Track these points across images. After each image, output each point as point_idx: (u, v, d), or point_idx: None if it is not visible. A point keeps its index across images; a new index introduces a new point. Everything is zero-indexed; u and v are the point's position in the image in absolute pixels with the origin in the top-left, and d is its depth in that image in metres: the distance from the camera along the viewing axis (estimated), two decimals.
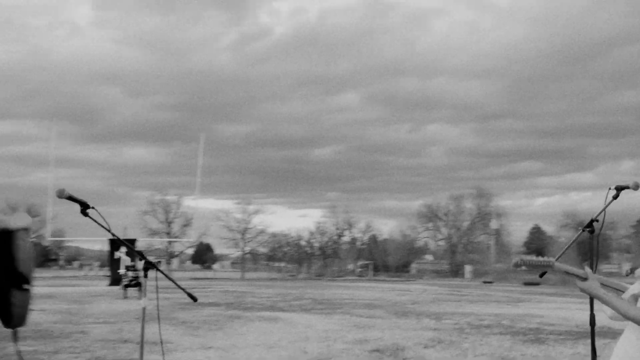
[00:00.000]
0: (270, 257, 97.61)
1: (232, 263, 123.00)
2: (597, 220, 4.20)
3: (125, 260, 32.91)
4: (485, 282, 48.38)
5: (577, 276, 3.17)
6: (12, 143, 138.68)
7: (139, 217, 79.83)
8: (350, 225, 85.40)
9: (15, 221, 2.96)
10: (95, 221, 3.72)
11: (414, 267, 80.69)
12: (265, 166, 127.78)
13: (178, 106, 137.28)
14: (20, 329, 2.94)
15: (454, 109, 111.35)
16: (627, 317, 2.98)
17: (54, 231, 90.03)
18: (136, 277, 24.34)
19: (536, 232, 77.61)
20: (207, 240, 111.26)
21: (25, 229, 3.00)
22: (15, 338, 3.09)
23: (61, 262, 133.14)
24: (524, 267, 3.22)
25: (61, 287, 34.31)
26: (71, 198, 3.53)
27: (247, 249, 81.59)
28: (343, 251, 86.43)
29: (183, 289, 4.19)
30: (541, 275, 3.46)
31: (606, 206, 4.15)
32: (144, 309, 4.10)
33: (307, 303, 21.73)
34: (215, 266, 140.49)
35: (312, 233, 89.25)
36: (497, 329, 12.92)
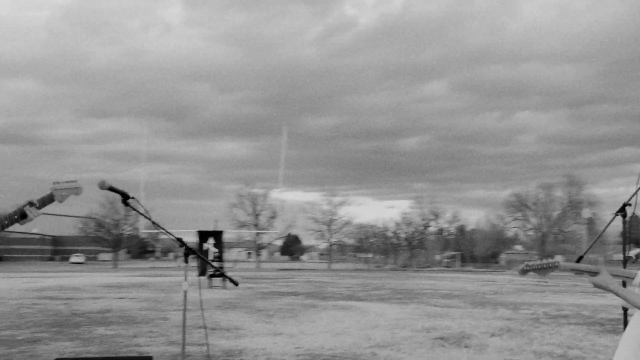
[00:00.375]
0: (358, 249, 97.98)
1: (320, 254, 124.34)
2: (630, 204, 4.16)
3: (212, 252, 34.06)
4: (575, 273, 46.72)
5: (588, 272, 3.21)
6: (112, 140, 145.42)
7: (228, 210, 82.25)
8: (436, 216, 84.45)
9: None
10: (136, 210, 4.00)
11: (503, 257, 78.89)
12: (352, 158, 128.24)
13: (265, 100, 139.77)
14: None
15: (545, 95, 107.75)
16: (638, 309, 2.99)
17: (148, 224, 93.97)
18: (221, 268, 25.14)
19: (634, 221, 74.26)
20: (294, 232, 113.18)
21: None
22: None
23: (157, 254, 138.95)
24: (531, 273, 3.27)
25: (154, 277, 35.91)
26: (112, 189, 3.81)
27: (333, 240, 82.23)
28: (429, 242, 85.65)
29: (224, 274, 4.47)
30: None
31: (638, 189, 4.09)
32: (185, 292, 4.39)
33: (385, 293, 21.84)
34: (304, 257, 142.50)
35: (398, 224, 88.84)
36: (575, 319, 12.61)
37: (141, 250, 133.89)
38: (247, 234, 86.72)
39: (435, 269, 71.03)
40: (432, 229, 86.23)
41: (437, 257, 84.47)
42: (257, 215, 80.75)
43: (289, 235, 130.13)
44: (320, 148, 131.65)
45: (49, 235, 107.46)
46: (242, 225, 79.95)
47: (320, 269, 69.49)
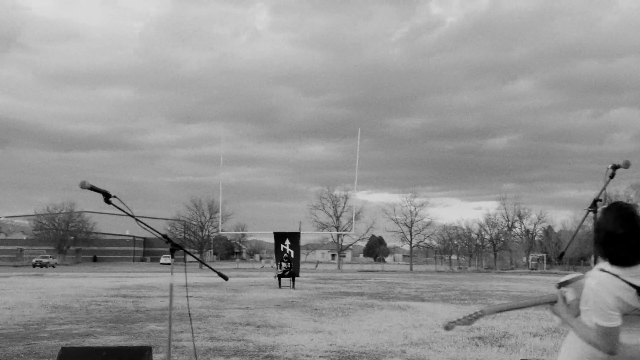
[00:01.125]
0: (443, 250, 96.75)
1: (404, 256, 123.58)
2: (601, 200, 4.09)
3: (283, 253, 34.64)
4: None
5: (474, 318, 3.17)
6: (202, 144, 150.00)
7: (309, 212, 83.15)
8: (520, 217, 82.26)
9: None
10: (119, 208, 4.26)
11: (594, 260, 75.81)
12: (438, 159, 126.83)
13: (350, 102, 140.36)
14: None
15: None
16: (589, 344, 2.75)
17: (236, 226, 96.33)
18: (289, 268, 25.56)
19: None
20: (378, 233, 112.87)
21: None
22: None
23: (243, 255, 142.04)
24: (458, 326, 3.23)
25: (231, 278, 36.85)
26: (93, 188, 4.08)
27: (415, 242, 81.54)
28: (514, 243, 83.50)
29: (214, 270, 4.68)
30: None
31: (605, 185, 4.04)
32: (171, 285, 4.64)
33: (453, 294, 21.59)
34: (388, 259, 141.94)
35: (482, 225, 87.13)
36: None
37: (228, 251, 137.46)
38: (329, 235, 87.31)
39: (520, 271, 69.12)
40: (518, 230, 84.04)
41: (524, 259, 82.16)
42: (337, 217, 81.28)
43: (373, 237, 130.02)
44: (406, 149, 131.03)
45: (140, 237, 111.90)
46: (323, 226, 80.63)
47: (401, 271, 69.10)
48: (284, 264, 25.75)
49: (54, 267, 65.74)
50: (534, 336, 9.41)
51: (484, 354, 7.82)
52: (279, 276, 25.24)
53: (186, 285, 4.60)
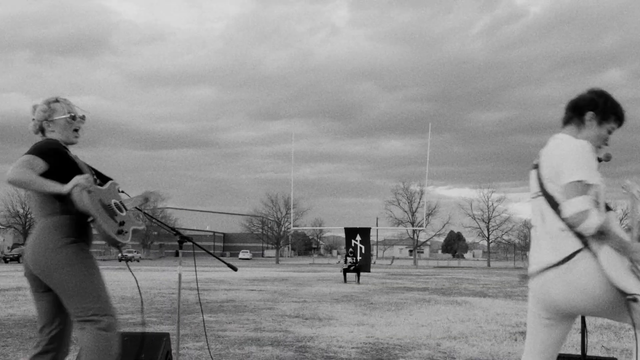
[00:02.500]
0: (524, 247, 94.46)
1: (484, 252, 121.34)
2: None
3: (359, 248, 34.85)
4: None
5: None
6: (283, 141, 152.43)
7: (384, 207, 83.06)
8: None
9: (65, 187, 3.57)
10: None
11: None
12: (521, 153, 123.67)
13: (430, 97, 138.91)
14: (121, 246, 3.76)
15: None
16: None
17: (313, 221, 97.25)
18: (355, 263, 25.75)
19: None
20: (454, 229, 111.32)
21: (77, 186, 3.59)
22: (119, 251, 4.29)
23: (321, 251, 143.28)
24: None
25: (303, 273, 37.37)
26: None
27: (492, 237, 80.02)
28: None
29: (222, 260, 4.93)
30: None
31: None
32: (179, 274, 4.92)
33: (517, 290, 21.21)
34: (467, 255, 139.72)
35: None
36: None
37: (306, 247, 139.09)
38: (405, 231, 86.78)
39: None
40: None
41: None
42: (413, 213, 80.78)
43: (451, 233, 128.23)
44: (487, 144, 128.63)
45: (219, 232, 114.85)
46: (399, 222, 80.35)
47: (478, 267, 68.04)
48: (349, 259, 25.97)
49: (138, 261, 68.60)
50: (578, 332, 9.22)
51: (519, 348, 7.76)
52: (344, 270, 25.46)
53: (196, 277, 4.86)
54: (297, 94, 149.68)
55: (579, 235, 2.86)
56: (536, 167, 3.19)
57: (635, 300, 2.70)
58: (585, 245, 2.86)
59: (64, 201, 3.52)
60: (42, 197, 3.55)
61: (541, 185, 3.07)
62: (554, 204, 2.97)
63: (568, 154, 2.97)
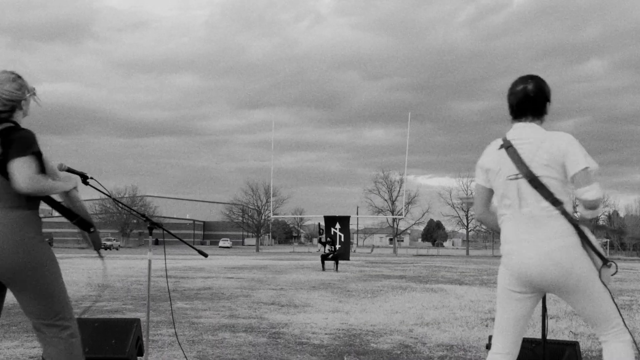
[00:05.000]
0: None
1: (463, 240, 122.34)
2: None
3: (334, 236, 34.95)
4: None
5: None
6: (265, 130, 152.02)
7: (365, 196, 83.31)
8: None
9: (67, 184, 3.59)
10: (97, 189, 4.57)
11: None
12: None
13: (414, 86, 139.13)
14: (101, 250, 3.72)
15: None
16: None
17: (293, 210, 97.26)
18: (333, 251, 25.85)
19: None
20: (434, 217, 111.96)
21: (75, 188, 3.62)
22: (100, 257, 4.06)
23: (301, 239, 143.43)
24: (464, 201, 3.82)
25: (282, 261, 37.44)
26: (70, 170, 4.38)
27: (471, 226, 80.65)
28: None
29: (193, 247, 4.95)
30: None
31: None
32: (149, 260, 4.94)
33: (493, 278, 21.43)
34: (446, 243, 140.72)
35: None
36: None
37: (286, 235, 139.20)
38: (385, 219, 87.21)
39: None
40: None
41: None
42: (393, 201, 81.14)
43: (431, 222, 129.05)
44: (469, 133, 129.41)
45: (199, 221, 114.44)
46: (379, 211, 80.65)
47: (457, 255, 68.66)
48: (328, 247, 26.07)
49: (117, 249, 68.22)
50: (550, 318, 9.39)
51: (489, 333, 7.89)
52: (322, 258, 25.56)
53: (165, 264, 4.88)
54: (280, 83, 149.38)
55: (565, 216, 3.14)
56: (508, 148, 3.30)
57: (609, 265, 3.13)
58: (574, 225, 3.14)
59: (29, 196, 3.31)
60: (3, 188, 3.27)
61: (523, 166, 3.22)
62: (538, 185, 3.18)
63: (573, 143, 3.20)
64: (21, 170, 3.19)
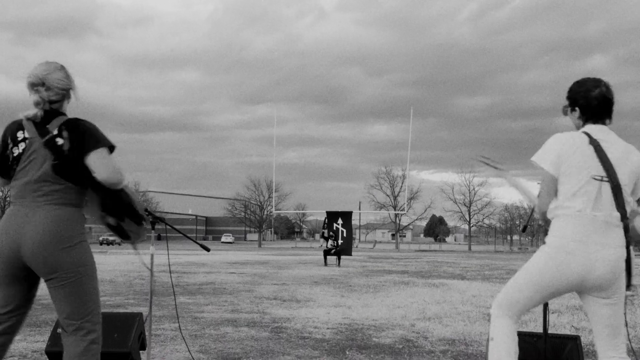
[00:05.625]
0: (505, 230, 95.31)
1: (465, 236, 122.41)
2: None
3: (337, 231, 34.94)
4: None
5: (495, 168, 3.87)
6: (267, 125, 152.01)
7: (367, 191, 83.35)
8: None
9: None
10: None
11: None
12: (505, 138, 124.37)
13: (417, 82, 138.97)
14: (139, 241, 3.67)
15: None
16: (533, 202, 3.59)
17: (296, 205, 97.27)
18: (335, 246, 25.88)
19: None
20: (436, 213, 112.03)
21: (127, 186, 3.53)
22: (135, 248, 4.05)
23: (304, 235, 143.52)
24: (483, 165, 3.97)
25: (284, 256, 37.48)
26: None
27: (474, 221, 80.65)
28: None
29: (196, 242, 4.96)
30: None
31: None
32: (152, 255, 4.95)
33: (497, 273, 21.46)
34: (448, 239, 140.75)
35: None
36: None
37: (288, 230, 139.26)
38: (387, 215, 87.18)
39: None
40: None
41: None
42: (395, 197, 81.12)
43: (433, 217, 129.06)
44: (472, 129, 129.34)
45: (202, 216, 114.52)
46: (381, 206, 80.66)
47: (459, 251, 68.61)
48: (330, 242, 26.10)
49: (119, 244, 68.25)
50: (552, 313, 9.40)
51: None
52: (325, 253, 25.58)
53: (168, 259, 4.89)
54: (283, 78, 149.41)
55: (626, 229, 3.24)
56: (597, 148, 3.29)
57: (632, 290, 3.31)
58: (627, 240, 3.27)
59: (78, 194, 3.29)
60: (55, 184, 3.21)
61: (611, 171, 3.25)
62: (619, 194, 3.23)
63: None
64: (104, 162, 3.19)
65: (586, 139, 3.32)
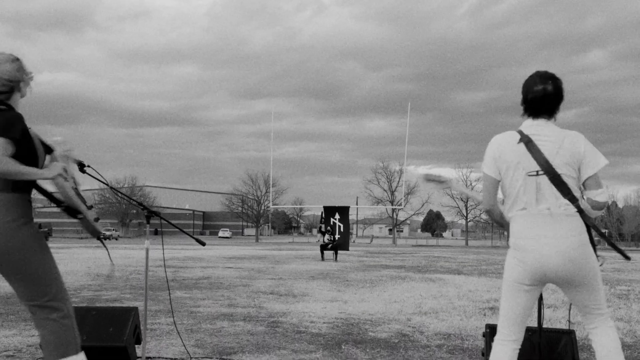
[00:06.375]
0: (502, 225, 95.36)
1: (462, 231, 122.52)
2: None
3: (334, 226, 34.94)
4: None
5: (440, 182, 4.04)
6: (266, 120, 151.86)
7: (364, 186, 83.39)
8: (582, 192, 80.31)
9: (47, 171, 3.43)
10: (94, 177, 4.55)
11: None
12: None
13: (415, 77, 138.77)
14: (101, 236, 3.70)
15: None
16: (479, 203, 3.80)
17: (293, 200, 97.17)
18: (332, 241, 25.88)
19: None
20: (433, 208, 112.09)
21: (62, 176, 3.45)
22: (102, 242, 4.04)
23: (301, 229, 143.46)
24: (430, 183, 4.10)
25: (281, 251, 37.47)
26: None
27: (471, 216, 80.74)
28: None
29: (191, 236, 4.95)
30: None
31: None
32: (147, 249, 4.93)
33: (493, 268, 21.50)
34: (446, 234, 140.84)
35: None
36: None
37: (286, 225, 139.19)
38: (385, 210, 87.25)
39: None
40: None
41: None
42: (392, 192, 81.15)
43: (430, 212, 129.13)
44: (470, 124, 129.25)
45: (199, 211, 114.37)
46: (378, 201, 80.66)
47: (456, 246, 68.73)
48: (327, 237, 26.10)
49: (116, 239, 68.27)
50: (548, 307, 9.42)
51: (487, 322, 7.90)
52: (322, 248, 25.59)
53: (163, 253, 4.88)
54: (282, 73, 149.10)
55: (581, 214, 3.26)
56: (528, 144, 3.34)
57: (601, 263, 3.39)
58: (585, 223, 3.29)
59: (14, 180, 3.28)
60: None
61: (546, 164, 3.28)
62: (560, 183, 3.27)
63: (588, 144, 3.35)
64: None
65: (517, 137, 3.38)
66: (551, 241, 3.22)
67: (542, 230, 3.25)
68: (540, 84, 3.40)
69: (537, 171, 3.29)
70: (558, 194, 3.26)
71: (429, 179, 4.03)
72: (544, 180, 3.28)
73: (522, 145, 3.34)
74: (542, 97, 3.38)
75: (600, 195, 3.32)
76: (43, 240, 3.41)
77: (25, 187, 3.40)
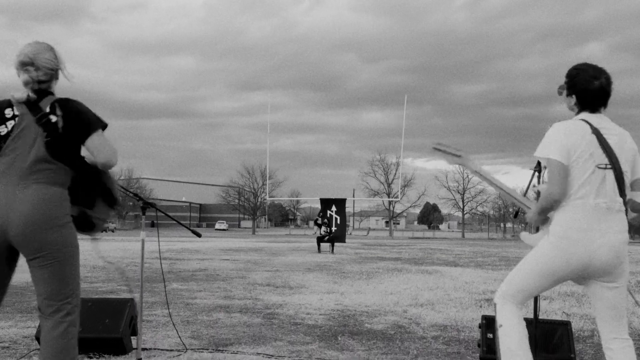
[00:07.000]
0: (499, 218, 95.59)
1: (459, 223, 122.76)
2: None
3: (330, 218, 35.01)
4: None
5: (453, 155, 3.83)
6: (263, 112, 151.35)
7: (361, 179, 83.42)
8: None
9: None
10: None
11: None
12: (500, 125, 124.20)
13: (412, 69, 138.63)
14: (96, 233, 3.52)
15: None
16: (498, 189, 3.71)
17: (290, 192, 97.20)
18: (329, 233, 25.91)
19: None
20: (430, 200, 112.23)
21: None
22: (94, 240, 3.84)
23: (298, 222, 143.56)
24: (439, 153, 3.92)
25: (278, 243, 37.51)
26: None
27: (467, 209, 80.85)
28: None
29: (187, 227, 4.94)
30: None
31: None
32: (142, 240, 4.93)
33: (490, 260, 21.54)
34: (442, 226, 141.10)
35: (539, 192, 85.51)
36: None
37: (282, 218, 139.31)
38: (382, 202, 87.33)
39: None
40: None
41: None
42: (389, 184, 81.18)
43: (427, 204, 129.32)
44: (467, 116, 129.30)
45: (196, 203, 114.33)
46: (375, 193, 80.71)
47: (452, 238, 68.88)
48: (323, 229, 26.13)
49: (113, 231, 68.19)
50: (544, 299, 9.44)
51: (483, 314, 7.92)
52: (318, 240, 25.62)
53: (158, 244, 4.87)
54: (279, 65, 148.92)
55: (626, 213, 3.32)
56: (599, 136, 3.31)
57: None
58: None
59: (68, 175, 3.26)
60: (46, 163, 3.17)
61: (614, 159, 3.29)
62: (621, 180, 3.29)
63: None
64: (105, 143, 3.21)
65: (588, 127, 3.32)
66: (603, 235, 3.20)
67: (597, 224, 3.22)
68: (596, 79, 3.37)
69: (607, 164, 3.28)
70: (617, 189, 3.27)
71: (440, 148, 3.83)
72: (610, 174, 3.27)
73: (593, 136, 3.30)
74: (600, 90, 3.38)
75: None
76: (78, 242, 3.34)
77: (68, 182, 3.33)
